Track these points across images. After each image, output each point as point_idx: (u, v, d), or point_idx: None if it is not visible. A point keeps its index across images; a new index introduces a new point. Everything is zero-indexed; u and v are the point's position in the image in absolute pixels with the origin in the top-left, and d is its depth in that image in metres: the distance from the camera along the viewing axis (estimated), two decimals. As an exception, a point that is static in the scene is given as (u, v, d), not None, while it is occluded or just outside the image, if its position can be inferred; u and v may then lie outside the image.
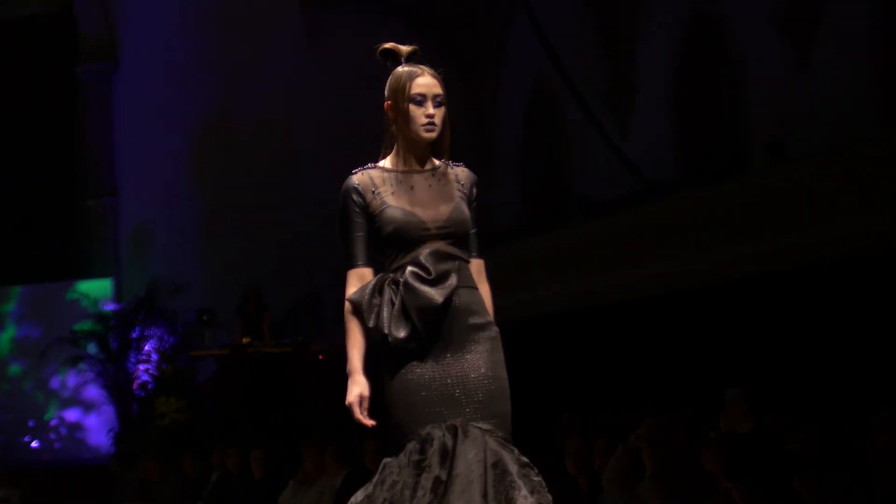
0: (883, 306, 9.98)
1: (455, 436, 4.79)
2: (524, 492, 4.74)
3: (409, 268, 4.92)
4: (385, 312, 4.90)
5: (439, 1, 18.89)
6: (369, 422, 4.90)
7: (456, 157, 5.17)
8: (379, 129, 5.17)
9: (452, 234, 5.01)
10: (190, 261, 20.20)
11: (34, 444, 21.00)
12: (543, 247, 14.58)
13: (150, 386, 19.34)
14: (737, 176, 12.69)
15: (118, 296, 21.08)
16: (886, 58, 12.59)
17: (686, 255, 12.18)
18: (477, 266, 5.14)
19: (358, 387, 4.90)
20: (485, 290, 5.13)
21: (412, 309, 4.88)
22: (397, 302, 4.90)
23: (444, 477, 4.72)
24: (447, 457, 4.76)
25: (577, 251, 13.93)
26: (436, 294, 4.90)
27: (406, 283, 4.90)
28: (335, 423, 13.80)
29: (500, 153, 19.10)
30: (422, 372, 4.90)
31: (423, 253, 4.94)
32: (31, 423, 21.16)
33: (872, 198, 10.32)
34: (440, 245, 4.97)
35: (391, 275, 4.96)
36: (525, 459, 4.86)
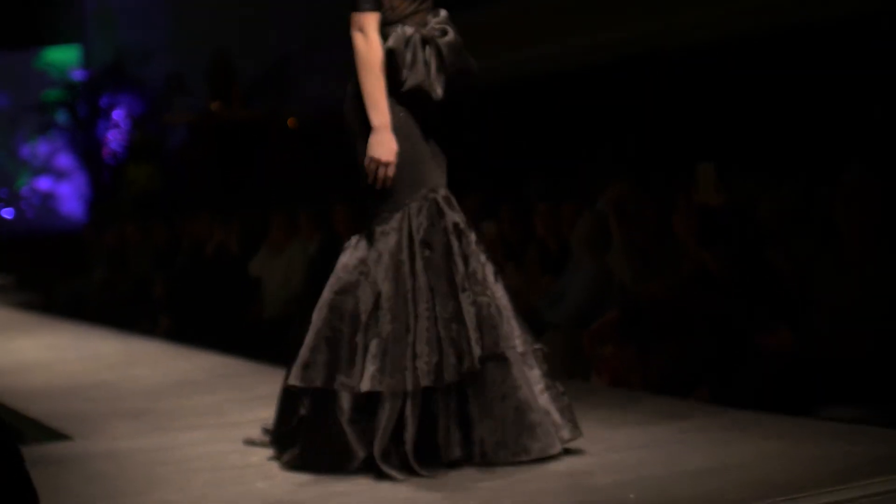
0: (851, 67, 9.97)
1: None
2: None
3: (450, 32, 4.89)
4: (430, 68, 4.86)
5: None
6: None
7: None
8: None
9: None
10: (157, 26, 19.96)
11: (7, 212, 21.05)
12: (513, 10, 14.44)
13: (120, 153, 19.33)
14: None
15: (86, 63, 20.89)
16: None
17: (654, 20, 12.08)
18: None
19: (394, 143, 4.81)
20: None
21: (453, 71, 4.88)
22: (435, 60, 4.86)
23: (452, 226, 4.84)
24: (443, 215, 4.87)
25: (546, 14, 13.80)
26: (472, 62, 4.94)
27: (453, 46, 4.88)
28: (306, 189, 13.86)
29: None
30: (422, 138, 4.92)
31: (442, 14, 4.93)
32: (2, 193, 21.18)
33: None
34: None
35: (421, 30, 4.87)
36: None
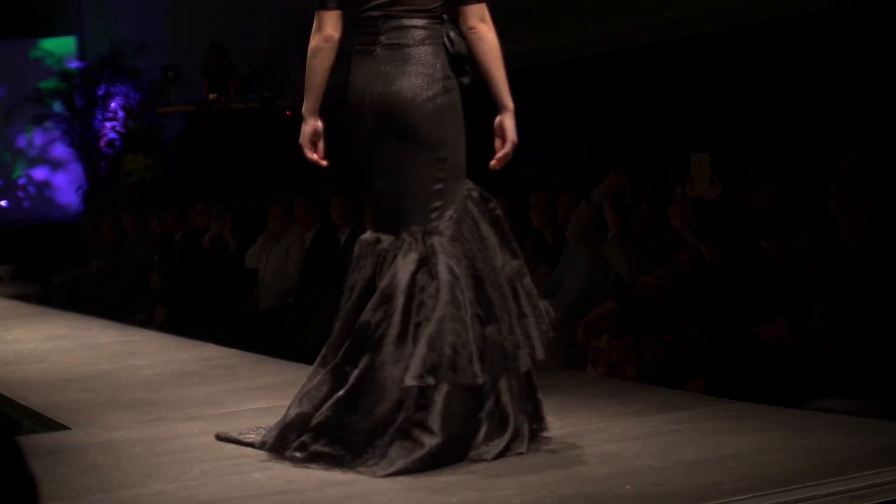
0: (848, 57, 9.97)
1: None
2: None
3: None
4: None
5: None
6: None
7: None
8: None
9: None
10: (154, 18, 19.93)
11: (3, 203, 21.02)
12: (510, 2, 14.42)
13: (117, 143, 19.30)
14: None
15: (82, 53, 20.86)
16: None
17: (650, 11, 12.07)
18: None
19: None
20: None
21: None
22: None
23: None
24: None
25: (542, 5, 13.80)
26: None
27: None
28: (303, 178, 13.85)
29: None
30: None
31: None
32: (-2, 183, 21.17)
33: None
34: None
35: None
36: None
